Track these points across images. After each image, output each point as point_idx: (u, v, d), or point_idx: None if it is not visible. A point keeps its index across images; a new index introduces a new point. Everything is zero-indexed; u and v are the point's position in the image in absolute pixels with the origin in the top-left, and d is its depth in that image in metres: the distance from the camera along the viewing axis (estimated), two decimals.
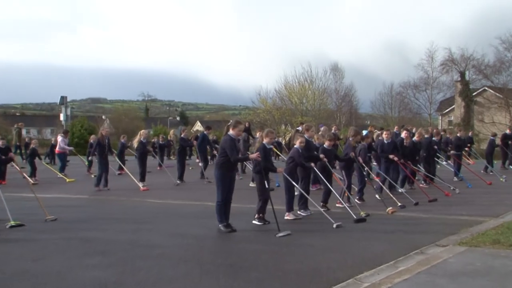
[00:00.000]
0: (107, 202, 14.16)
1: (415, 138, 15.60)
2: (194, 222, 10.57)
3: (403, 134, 14.92)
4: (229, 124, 9.82)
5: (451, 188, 14.89)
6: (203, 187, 17.19)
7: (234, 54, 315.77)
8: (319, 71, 56.02)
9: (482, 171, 20.62)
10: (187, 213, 11.88)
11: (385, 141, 14.03)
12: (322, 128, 17.42)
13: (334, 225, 9.59)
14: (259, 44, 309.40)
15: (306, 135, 11.47)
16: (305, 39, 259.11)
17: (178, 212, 12.07)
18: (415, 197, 13.05)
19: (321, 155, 11.42)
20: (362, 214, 10.70)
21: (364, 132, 14.27)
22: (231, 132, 9.56)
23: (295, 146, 10.93)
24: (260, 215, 10.03)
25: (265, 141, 10.07)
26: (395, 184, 13.90)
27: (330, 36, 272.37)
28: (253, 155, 9.58)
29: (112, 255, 7.59)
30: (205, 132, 20.17)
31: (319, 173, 11.52)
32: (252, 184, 15.19)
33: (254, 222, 10.05)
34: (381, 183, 13.57)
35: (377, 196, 13.06)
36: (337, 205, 11.74)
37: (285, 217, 10.47)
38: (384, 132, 14.39)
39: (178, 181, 18.21)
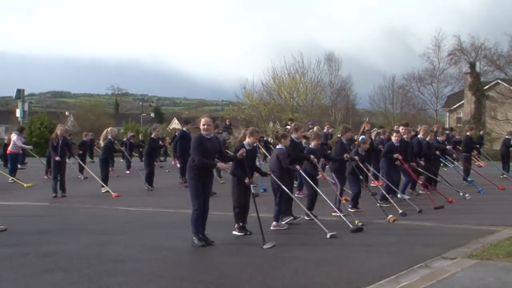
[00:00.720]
0: (70, 211, 14.08)
1: (420, 136, 15.68)
2: (170, 232, 10.55)
3: (402, 130, 14.70)
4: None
5: (461, 194, 14.97)
6: (179, 193, 17.14)
7: (216, 43, 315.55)
8: (312, 61, 55.94)
9: (503, 175, 20.66)
10: (162, 223, 11.86)
11: (395, 144, 14.04)
12: (315, 128, 17.42)
13: (328, 235, 9.62)
14: (244, 32, 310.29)
15: (294, 136, 11.50)
16: (296, 26, 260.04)
17: (151, 222, 12.04)
18: (418, 203, 13.13)
19: (311, 156, 11.46)
20: (357, 223, 10.76)
21: (362, 138, 14.17)
22: (247, 140, 9.97)
23: (279, 146, 10.96)
24: (240, 224, 10.04)
25: (247, 141, 10.09)
26: (395, 189, 13.92)
27: (324, 22, 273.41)
28: (223, 166, 9.63)
29: (76, 271, 7.54)
30: (184, 128, 20.09)
31: (304, 176, 11.54)
32: None
33: (234, 232, 10.07)
34: (384, 190, 13.56)
35: (378, 204, 13.10)
36: (333, 214, 11.78)
37: (272, 227, 10.49)
38: (394, 134, 14.34)
39: (147, 186, 18.14)
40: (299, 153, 11.41)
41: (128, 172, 24.44)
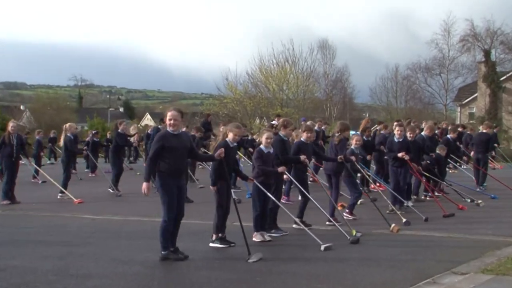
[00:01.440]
0: (25, 219, 13.98)
1: (424, 133, 15.70)
2: (141, 244, 10.52)
3: (396, 131, 14.26)
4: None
5: (469, 201, 15.08)
6: (152, 199, 17.04)
7: (194, 29, 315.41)
8: (304, 49, 56.05)
9: None
10: (132, 233, 11.82)
11: (396, 140, 13.98)
12: (308, 123, 17.41)
13: (322, 247, 9.63)
14: (226, 16, 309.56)
15: (282, 133, 11.48)
16: (286, 9, 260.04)
17: (120, 231, 12.01)
18: (424, 211, 13.19)
19: (302, 156, 11.38)
20: (355, 233, 10.78)
21: (352, 133, 14.03)
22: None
23: (260, 146, 10.94)
24: (219, 234, 10.04)
25: (229, 137, 10.08)
26: (401, 199, 13.87)
27: (317, 5, 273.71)
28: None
29: None
30: (159, 126, 20.06)
31: (295, 182, 11.54)
32: None
33: (211, 244, 10.07)
34: (393, 192, 13.59)
35: (391, 208, 13.23)
36: (327, 223, 11.80)
37: (253, 238, 10.47)
38: (397, 128, 14.19)
39: (112, 190, 18.07)
40: (286, 155, 11.31)
41: (93, 175, 24.36)
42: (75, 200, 16.43)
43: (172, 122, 8.99)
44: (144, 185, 8.98)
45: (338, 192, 12.72)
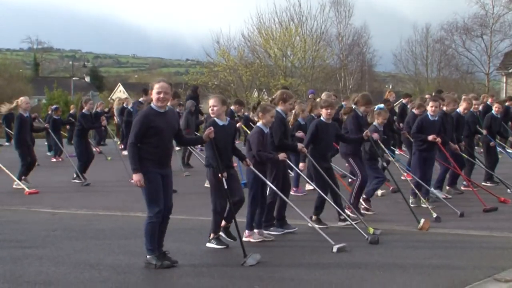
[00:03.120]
0: None
1: (460, 109, 15.63)
2: (113, 244, 10.53)
3: (430, 108, 13.98)
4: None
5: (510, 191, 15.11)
6: (126, 189, 17.12)
7: None
8: (313, 5, 55.83)
9: None
10: (102, 231, 11.81)
11: (431, 118, 13.79)
12: (323, 95, 17.30)
13: (335, 249, 9.67)
14: None
15: (279, 108, 11.33)
16: None
17: (86, 229, 11.99)
18: (459, 204, 13.20)
19: (299, 145, 11.31)
20: (372, 231, 10.81)
21: (377, 108, 13.85)
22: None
23: (257, 124, 10.84)
24: (217, 234, 10.07)
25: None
26: (428, 188, 13.84)
27: None
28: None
29: None
30: (141, 99, 19.94)
31: (299, 171, 11.53)
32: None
33: (208, 244, 10.10)
34: (414, 185, 13.59)
35: (410, 202, 13.13)
36: (348, 211, 11.76)
37: (245, 237, 10.43)
38: (431, 104, 14.00)
39: (77, 180, 18.02)
40: (283, 140, 11.18)
41: (54, 160, 24.37)
42: (27, 190, 16.40)
43: (161, 96, 8.84)
44: (136, 176, 8.73)
45: (364, 176, 12.58)
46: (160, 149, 8.89)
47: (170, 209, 9.11)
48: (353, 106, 12.80)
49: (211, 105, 10.09)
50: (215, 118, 9.97)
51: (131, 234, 10.88)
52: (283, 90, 12.73)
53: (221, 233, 10.07)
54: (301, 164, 11.70)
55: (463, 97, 16.56)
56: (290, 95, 11.93)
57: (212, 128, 9.51)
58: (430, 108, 13.82)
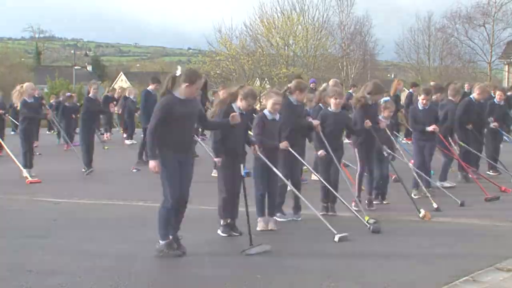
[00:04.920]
0: None
1: (474, 96, 15.71)
2: (116, 233, 10.54)
3: (421, 99, 13.99)
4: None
5: None
6: (129, 178, 17.13)
7: None
8: None
9: None
10: (105, 220, 11.82)
11: (420, 107, 13.85)
12: (331, 82, 17.24)
13: (336, 238, 9.66)
14: None
15: (292, 98, 11.31)
16: None
17: (89, 218, 12.00)
18: (459, 193, 13.16)
19: (315, 122, 11.35)
20: (367, 220, 10.76)
21: (383, 100, 13.77)
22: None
23: (264, 110, 10.82)
24: (228, 221, 10.07)
25: (238, 104, 10.05)
26: (427, 177, 13.83)
27: None
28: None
29: None
30: (149, 88, 19.83)
31: (303, 161, 11.50)
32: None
33: (219, 232, 10.14)
34: (416, 174, 13.56)
35: (413, 194, 13.13)
36: (353, 205, 11.78)
37: (258, 228, 10.47)
38: (422, 96, 14.05)
39: (84, 169, 17.91)
40: (298, 121, 11.27)
41: (69, 147, 24.25)
42: (29, 179, 16.39)
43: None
44: (152, 162, 8.73)
45: (370, 168, 12.60)
46: (180, 136, 8.87)
47: (186, 199, 9.04)
48: (367, 96, 12.73)
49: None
50: (233, 106, 10.04)
51: (134, 223, 10.90)
52: (299, 80, 12.58)
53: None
54: (320, 152, 11.62)
55: (479, 86, 16.62)
56: (306, 85, 12.07)
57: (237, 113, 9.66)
58: (420, 100, 13.98)
